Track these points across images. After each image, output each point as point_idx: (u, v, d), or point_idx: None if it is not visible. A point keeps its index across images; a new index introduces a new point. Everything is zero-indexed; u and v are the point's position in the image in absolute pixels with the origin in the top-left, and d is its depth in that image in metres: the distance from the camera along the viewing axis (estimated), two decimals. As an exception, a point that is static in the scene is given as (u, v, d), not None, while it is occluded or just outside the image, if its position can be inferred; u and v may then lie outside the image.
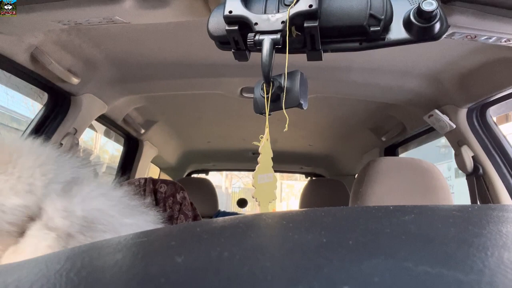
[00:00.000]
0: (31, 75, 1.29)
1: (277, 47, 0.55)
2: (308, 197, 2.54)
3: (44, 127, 1.48)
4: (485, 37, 0.87)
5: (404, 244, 0.27)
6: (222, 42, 0.62)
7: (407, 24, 0.55)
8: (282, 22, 0.54)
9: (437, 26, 0.55)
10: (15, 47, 1.14)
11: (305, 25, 0.53)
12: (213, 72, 1.53)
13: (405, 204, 0.41)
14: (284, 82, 0.60)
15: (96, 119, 1.74)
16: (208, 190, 2.75)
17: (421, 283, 0.20)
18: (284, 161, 3.30)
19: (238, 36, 0.57)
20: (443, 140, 1.89)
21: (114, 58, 1.43)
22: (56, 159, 0.63)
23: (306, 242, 0.27)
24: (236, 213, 2.99)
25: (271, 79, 0.57)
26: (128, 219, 0.61)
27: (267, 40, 0.53)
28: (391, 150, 2.38)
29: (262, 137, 0.62)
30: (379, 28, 0.54)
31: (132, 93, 1.77)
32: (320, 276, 0.21)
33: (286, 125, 0.57)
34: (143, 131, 2.27)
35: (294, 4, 0.53)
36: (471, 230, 0.31)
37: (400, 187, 1.25)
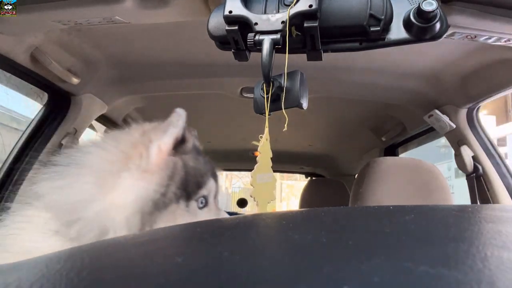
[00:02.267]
0: (31, 75, 1.29)
1: (277, 47, 0.54)
2: (308, 197, 2.54)
3: (44, 127, 1.48)
4: (485, 37, 0.87)
5: (404, 244, 0.27)
6: (222, 42, 0.62)
7: (407, 24, 0.55)
8: (282, 22, 0.54)
9: (437, 26, 0.55)
10: (15, 47, 1.14)
11: (305, 25, 0.53)
12: (213, 72, 1.53)
13: (405, 204, 0.41)
14: (284, 82, 0.60)
15: (96, 119, 1.74)
16: (208, 190, 2.74)
17: (421, 283, 0.20)
18: (284, 161, 3.30)
19: (238, 36, 0.57)
20: (443, 140, 1.89)
21: (114, 58, 1.43)
22: None
23: (306, 242, 0.27)
24: (236, 213, 2.99)
25: (271, 79, 0.57)
26: None
27: (267, 40, 0.53)
28: (391, 150, 2.38)
29: (261, 137, 0.62)
30: (379, 28, 0.54)
31: (132, 93, 1.77)
32: (320, 276, 0.21)
33: (286, 125, 0.57)
34: (143, 131, 2.26)
35: (294, 4, 0.53)
36: (471, 230, 0.31)
37: (400, 187, 1.25)
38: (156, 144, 0.66)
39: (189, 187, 0.67)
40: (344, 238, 0.28)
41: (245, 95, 1.73)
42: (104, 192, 0.60)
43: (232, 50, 0.60)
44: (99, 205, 0.59)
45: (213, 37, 0.62)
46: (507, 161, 1.52)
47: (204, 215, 0.70)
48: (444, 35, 0.57)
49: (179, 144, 0.69)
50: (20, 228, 0.60)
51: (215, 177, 0.74)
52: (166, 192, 0.64)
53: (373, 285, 0.20)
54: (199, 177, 0.70)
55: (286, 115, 0.58)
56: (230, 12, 0.55)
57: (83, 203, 0.59)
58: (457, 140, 1.56)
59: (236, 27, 0.56)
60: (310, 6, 0.52)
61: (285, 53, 0.56)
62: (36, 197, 0.63)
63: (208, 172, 0.73)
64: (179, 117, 0.69)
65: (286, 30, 0.53)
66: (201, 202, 0.70)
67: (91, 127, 1.88)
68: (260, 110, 0.62)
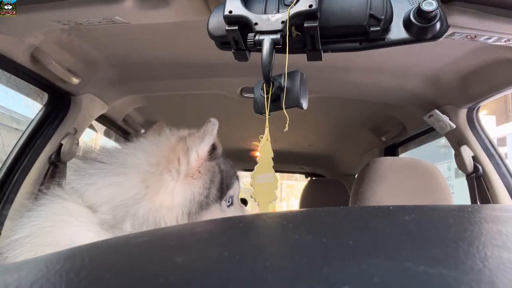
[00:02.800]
0: (31, 75, 1.29)
1: (277, 47, 0.54)
2: (308, 197, 2.54)
3: (44, 127, 1.48)
4: (485, 37, 0.87)
5: (404, 244, 0.27)
6: (222, 42, 0.62)
7: (407, 24, 0.55)
8: (282, 22, 0.54)
9: (437, 26, 0.55)
10: (15, 47, 1.14)
11: (305, 25, 0.53)
12: (213, 72, 1.53)
13: (405, 204, 0.41)
14: (284, 82, 0.60)
15: (96, 119, 1.74)
16: (208, 190, 2.74)
17: (421, 283, 0.20)
18: (284, 161, 3.30)
19: (238, 36, 0.57)
20: (443, 140, 1.89)
21: (114, 58, 1.43)
22: None
23: (306, 242, 0.27)
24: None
25: (271, 79, 0.57)
26: None
27: (267, 40, 0.53)
28: (391, 150, 2.38)
29: (262, 137, 0.62)
30: (379, 28, 0.54)
31: (132, 93, 1.77)
32: (320, 276, 0.21)
33: (287, 125, 0.57)
34: (143, 131, 2.27)
35: (294, 4, 0.53)
36: (471, 230, 0.31)
37: (400, 187, 1.25)
38: (195, 150, 0.74)
39: (223, 189, 0.76)
40: (344, 238, 0.28)
41: (245, 95, 1.73)
42: (151, 193, 0.66)
43: (232, 50, 0.60)
44: (149, 204, 0.65)
45: (213, 37, 0.62)
46: (507, 161, 1.52)
47: (232, 212, 0.79)
48: (444, 35, 0.57)
49: (212, 150, 0.77)
50: (60, 221, 0.62)
51: (237, 179, 0.84)
52: (209, 194, 0.72)
53: (373, 285, 0.20)
54: (229, 179, 0.79)
55: (287, 115, 0.58)
56: (230, 12, 0.55)
57: (133, 201, 0.64)
58: (457, 140, 1.56)
59: (236, 27, 0.56)
60: (310, 6, 0.52)
61: (285, 53, 0.56)
62: (73, 190, 0.66)
63: (234, 175, 0.83)
64: (213, 126, 0.78)
65: (286, 30, 0.53)
66: (228, 201, 0.79)
67: (91, 127, 1.89)
68: (260, 110, 0.62)
